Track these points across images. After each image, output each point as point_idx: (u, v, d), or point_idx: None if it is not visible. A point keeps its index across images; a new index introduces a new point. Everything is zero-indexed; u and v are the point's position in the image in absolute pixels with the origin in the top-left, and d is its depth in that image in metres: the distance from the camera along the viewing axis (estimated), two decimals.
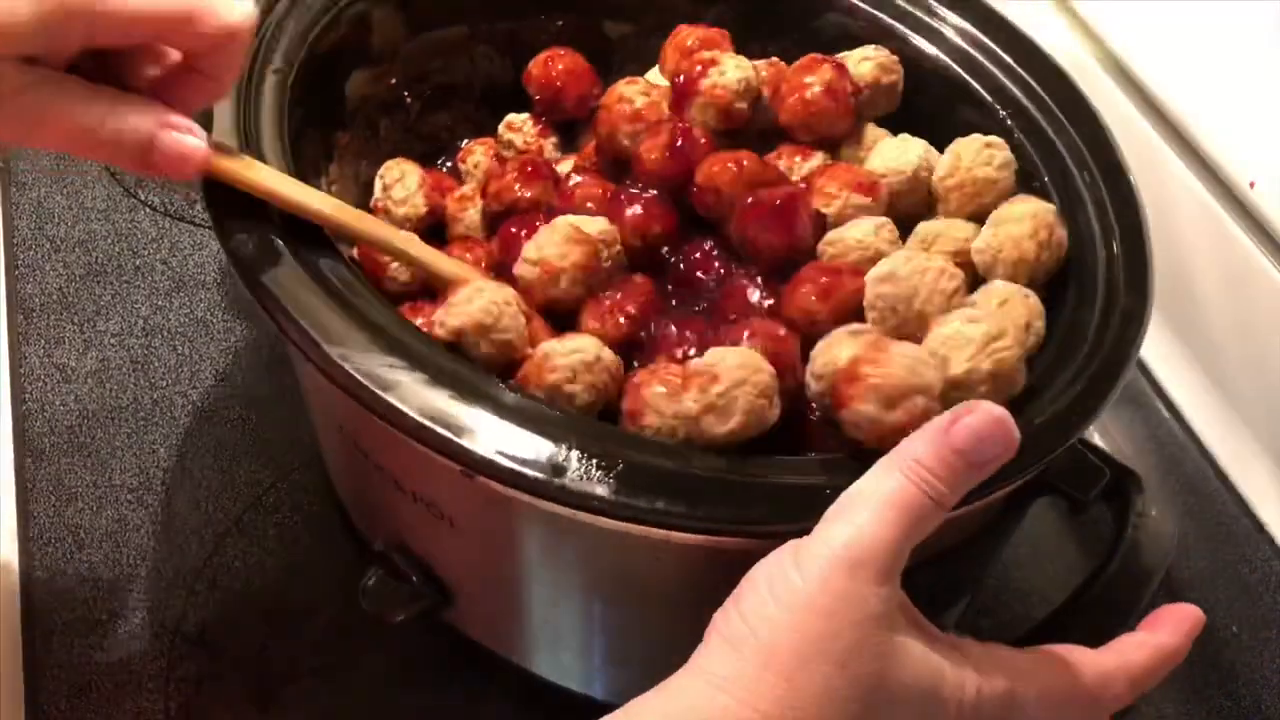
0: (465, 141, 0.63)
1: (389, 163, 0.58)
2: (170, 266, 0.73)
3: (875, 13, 0.60)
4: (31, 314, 0.69)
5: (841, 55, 0.58)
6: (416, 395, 0.41)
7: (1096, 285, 0.50)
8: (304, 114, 0.52)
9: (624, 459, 0.41)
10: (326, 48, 0.55)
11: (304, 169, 0.50)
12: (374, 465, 0.49)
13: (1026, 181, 0.54)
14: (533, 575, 0.49)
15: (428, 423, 0.41)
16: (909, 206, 0.55)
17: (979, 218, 0.52)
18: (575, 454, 0.41)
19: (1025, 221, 0.50)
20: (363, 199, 0.59)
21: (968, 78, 0.58)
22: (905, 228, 0.53)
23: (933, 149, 0.56)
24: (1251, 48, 0.67)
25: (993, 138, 0.54)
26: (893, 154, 0.55)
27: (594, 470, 0.40)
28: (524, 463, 0.40)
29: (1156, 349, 0.75)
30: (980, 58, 0.58)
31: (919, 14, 0.60)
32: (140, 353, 0.68)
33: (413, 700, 0.57)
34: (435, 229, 0.58)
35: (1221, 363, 0.72)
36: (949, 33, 0.59)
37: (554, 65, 0.60)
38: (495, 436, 0.41)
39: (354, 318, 0.43)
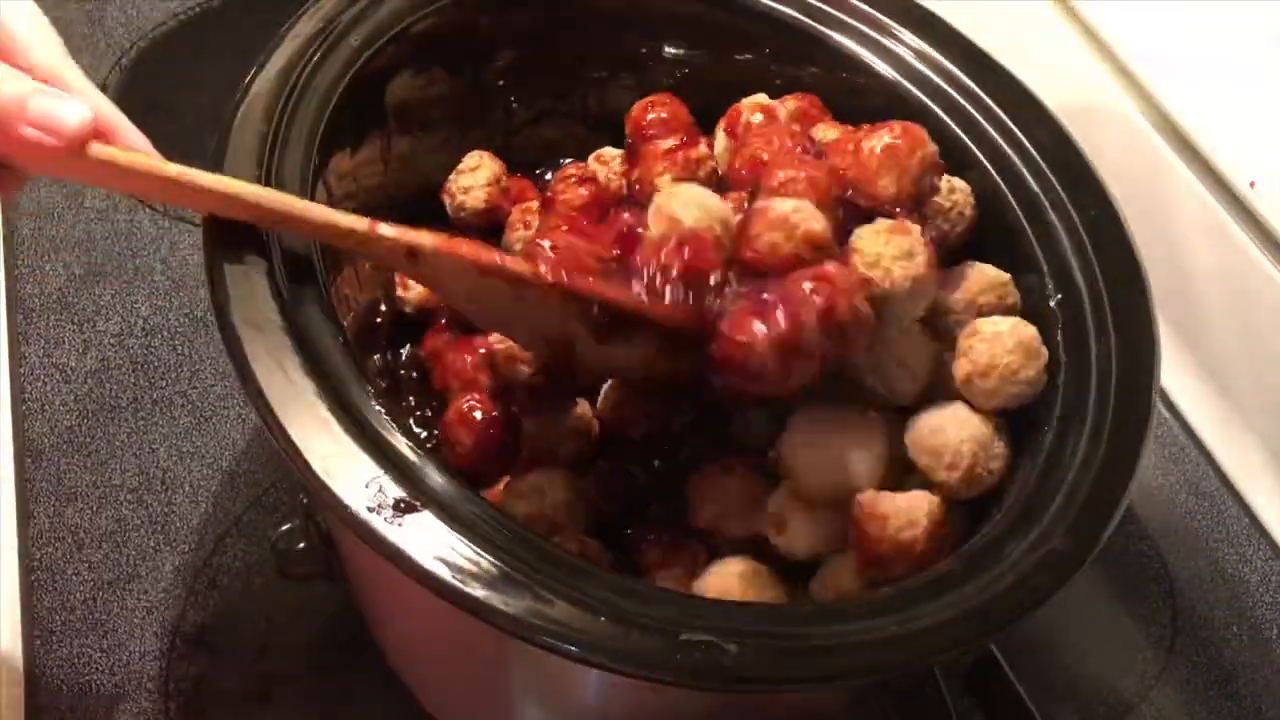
0: (568, 160, 0.62)
1: (475, 152, 0.59)
2: (170, 266, 0.72)
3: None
4: (31, 314, 0.69)
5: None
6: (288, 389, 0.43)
7: (1038, 519, 0.44)
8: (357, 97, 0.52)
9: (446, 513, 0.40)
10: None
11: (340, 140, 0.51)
12: None
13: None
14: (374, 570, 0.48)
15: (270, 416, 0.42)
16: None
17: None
18: (393, 492, 0.40)
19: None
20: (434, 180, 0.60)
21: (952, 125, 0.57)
22: None
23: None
24: (1252, 48, 0.67)
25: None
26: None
27: (400, 515, 0.39)
28: (345, 488, 0.40)
29: None
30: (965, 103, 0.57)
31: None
32: (140, 353, 0.68)
33: (413, 701, 0.57)
34: (494, 230, 0.59)
35: (1222, 364, 0.72)
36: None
37: (652, 111, 0.58)
38: (325, 451, 0.40)
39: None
